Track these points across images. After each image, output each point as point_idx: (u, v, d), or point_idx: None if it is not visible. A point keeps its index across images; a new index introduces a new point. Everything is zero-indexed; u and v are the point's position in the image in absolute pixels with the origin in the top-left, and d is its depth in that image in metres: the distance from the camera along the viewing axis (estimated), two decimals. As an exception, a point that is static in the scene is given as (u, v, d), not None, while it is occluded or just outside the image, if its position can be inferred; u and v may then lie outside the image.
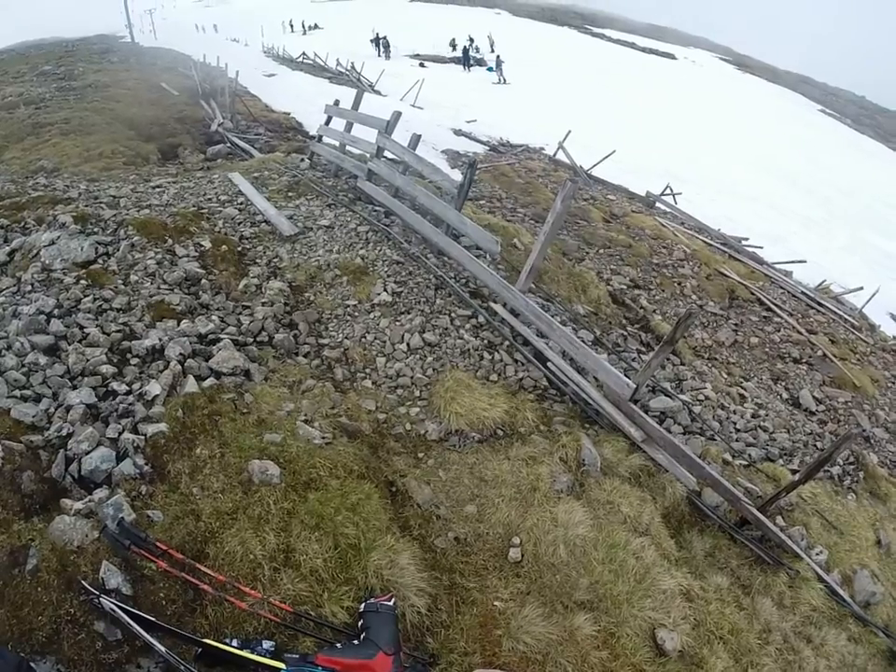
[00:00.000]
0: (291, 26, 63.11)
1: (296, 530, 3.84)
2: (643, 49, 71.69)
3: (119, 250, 6.68)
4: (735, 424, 7.61)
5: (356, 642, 3.35)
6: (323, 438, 4.75)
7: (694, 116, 41.81)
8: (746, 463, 6.78)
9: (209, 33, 59.58)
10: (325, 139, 12.16)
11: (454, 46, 47.31)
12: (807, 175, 35.70)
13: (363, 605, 3.53)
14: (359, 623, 3.43)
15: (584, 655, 3.92)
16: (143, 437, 4.21)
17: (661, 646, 4.22)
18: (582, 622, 4.07)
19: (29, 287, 5.81)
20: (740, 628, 4.75)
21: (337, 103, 12.40)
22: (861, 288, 15.99)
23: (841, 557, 6.06)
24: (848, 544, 6.27)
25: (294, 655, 3.20)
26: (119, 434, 4.21)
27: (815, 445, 7.95)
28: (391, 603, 3.54)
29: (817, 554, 5.86)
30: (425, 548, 4.38)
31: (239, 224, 8.25)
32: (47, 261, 6.24)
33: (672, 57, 72.76)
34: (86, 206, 7.86)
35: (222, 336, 5.65)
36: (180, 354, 5.13)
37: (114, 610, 3.12)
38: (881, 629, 5.62)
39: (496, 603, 4.10)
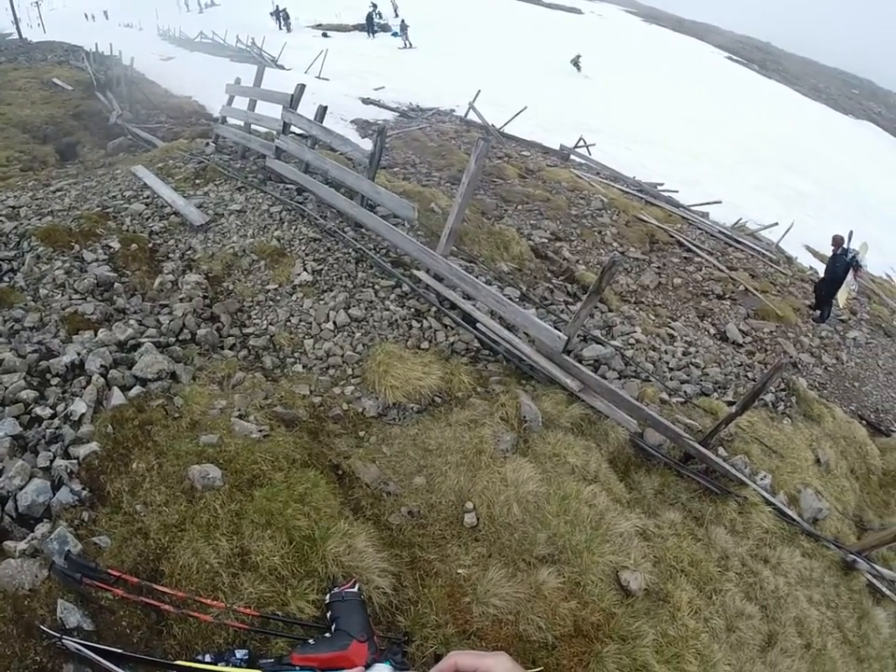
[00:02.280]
0: (187, 5, 60.05)
1: (248, 531, 3.70)
2: (548, 6, 71.71)
3: (24, 264, 6.28)
4: (667, 363, 7.83)
5: (327, 635, 3.25)
6: (260, 431, 4.59)
7: (603, 68, 42.29)
8: (682, 400, 7.00)
9: (100, 20, 56.11)
10: (229, 120, 11.65)
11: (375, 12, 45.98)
12: (717, 119, 36.89)
13: (328, 596, 3.43)
14: (328, 615, 3.34)
15: (554, 608, 3.97)
16: (76, 460, 3.96)
17: (626, 587, 4.33)
18: (547, 576, 4.12)
19: (-68, 318, 5.36)
20: (699, 559, 4.95)
21: (238, 81, 11.83)
22: (776, 224, 16.72)
23: (785, 479, 6.40)
24: (790, 466, 6.63)
25: (269, 660, 3.09)
26: (51, 462, 3.94)
27: (746, 376, 8.32)
28: (356, 589, 3.46)
29: (761, 479, 6.14)
30: (380, 527, 4.32)
31: (147, 219, 7.83)
32: (-53, 287, 5.79)
33: (578, 12, 73.15)
34: (-16, 222, 7.32)
35: (143, 340, 5.36)
36: (101, 366, 4.84)
37: (79, 650, 2.94)
38: (832, 542, 6.00)
39: (459, 571, 4.10)
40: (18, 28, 46.46)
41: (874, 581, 5.97)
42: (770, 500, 5.87)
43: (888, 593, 5.99)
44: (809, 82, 67.30)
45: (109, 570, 3.32)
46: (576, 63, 41.44)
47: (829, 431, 7.70)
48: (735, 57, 69.62)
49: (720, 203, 17.02)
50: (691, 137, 30.94)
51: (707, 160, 27.66)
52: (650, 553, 4.68)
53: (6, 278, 6.09)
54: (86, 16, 58.32)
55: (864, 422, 9.29)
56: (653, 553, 4.72)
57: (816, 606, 5.38)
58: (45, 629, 3.03)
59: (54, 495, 3.75)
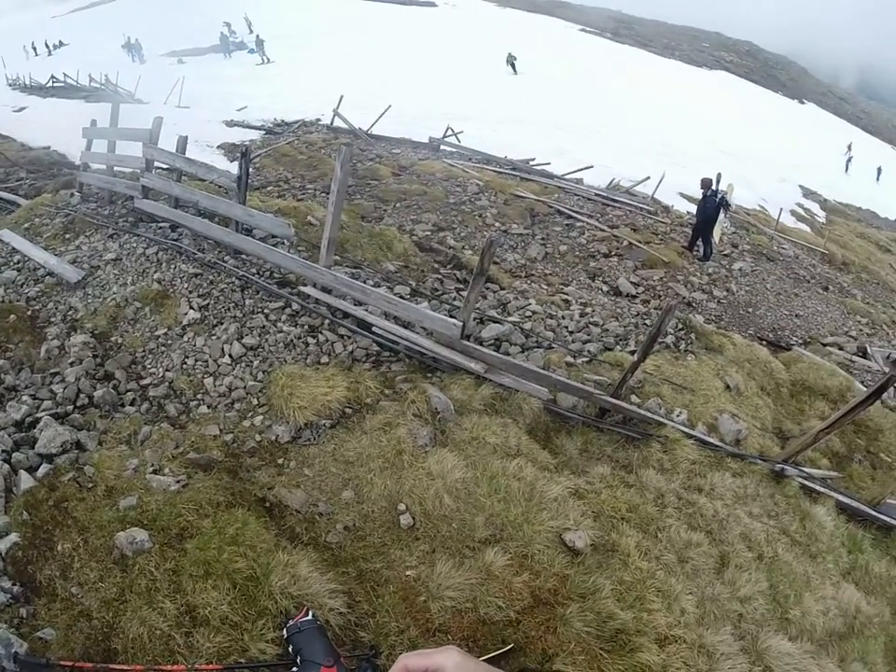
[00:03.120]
0: (35, 49, 56.24)
1: (189, 586, 3.63)
2: (402, 2, 71.85)
3: None
4: (567, 328, 8.11)
5: (295, 669, 3.26)
6: (178, 482, 4.50)
7: (462, 57, 42.92)
8: (587, 359, 7.26)
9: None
10: (92, 165, 11.07)
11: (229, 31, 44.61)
12: (576, 90, 38.23)
13: (285, 630, 3.43)
14: (290, 649, 3.34)
15: (508, 585, 4.08)
16: None
17: (573, 548, 4.48)
18: (493, 556, 4.22)
19: None
20: (636, 504, 5.16)
21: (94, 123, 11.30)
22: (648, 178, 17.56)
23: (700, 411, 6.71)
24: (702, 398, 6.94)
25: None
26: None
27: (644, 324, 8.69)
28: (311, 617, 3.46)
29: (678, 416, 6.43)
30: (320, 549, 4.31)
31: (22, 286, 7.44)
32: None
33: (432, 5, 73.68)
34: None
35: (40, 415, 5.16)
36: (3, 451, 4.63)
37: None
38: (757, 457, 6.34)
39: (408, 573, 4.15)
40: None
41: (806, 482, 6.28)
42: (690, 433, 6.12)
43: (822, 490, 6.31)
44: (661, 42, 70.72)
45: (62, 662, 3.23)
46: (511, 62, 42.27)
47: (732, 358, 8.08)
48: (587, 28, 72.14)
49: (591, 167, 17.64)
50: (555, 110, 31.88)
51: (573, 129, 28.64)
52: (588, 511, 4.83)
53: None
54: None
55: (765, 342, 9.95)
56: (591, 510, 4.88)
57: (757, 519, 5.63)
58: None
59: None
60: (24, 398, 5.44)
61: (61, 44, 57.32)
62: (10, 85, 40.97)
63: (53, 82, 37.20)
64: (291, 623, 3.44)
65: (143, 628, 3.42)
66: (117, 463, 4.68)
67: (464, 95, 31.18)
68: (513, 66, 43.16)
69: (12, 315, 6.70)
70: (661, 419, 6.20)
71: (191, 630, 3.46)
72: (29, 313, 6.91)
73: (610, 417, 6.25)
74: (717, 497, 5.67)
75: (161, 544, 3.91)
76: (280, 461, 5.09)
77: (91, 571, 3.74)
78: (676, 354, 7.90)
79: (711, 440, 6.25)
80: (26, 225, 9.43)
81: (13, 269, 7.83)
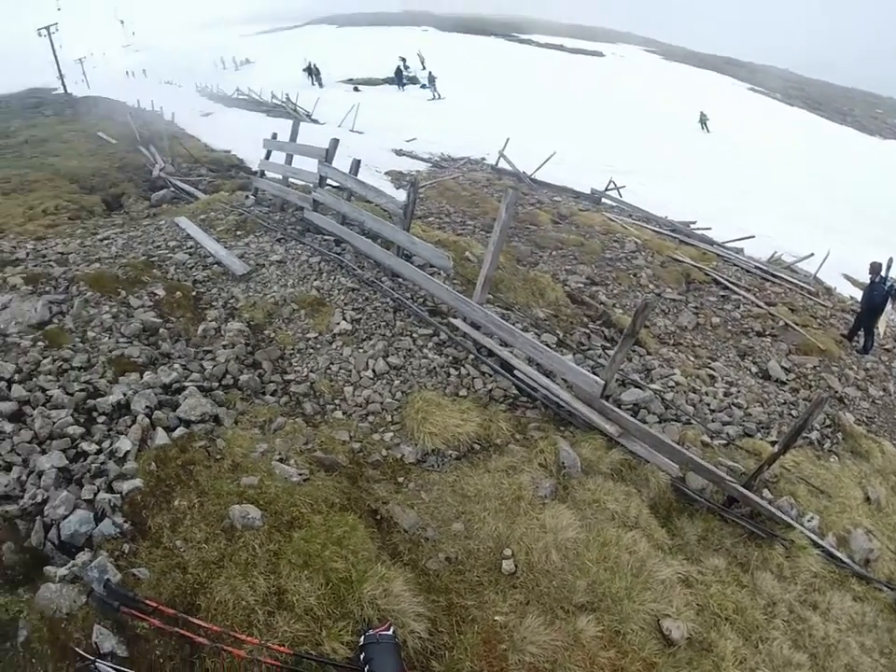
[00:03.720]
0: (223, 63, 62.98)
1: (285, 571, 3.75)
2: (571, 51, 73.23)
3: (73, 307, 6.54)
4: (708, 405, 7.68)
5: None
6: (300, 474, 4.67)
7: (628, 109, 42.80)
8: (725, 442, 6.84)
9: (140, 78, 59.05)
10: (267, 174, 12.09)
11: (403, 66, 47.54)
12: (745, 151, 36.76)
13: (363, 638, 3.42)
14: (361, 657, 3.34)
15: (592, 657, 3.89)
16: (119, 495, 4.10)
17: (668, 636, 4.21)
18: (585, 624, 4.04)
19: (-15, 355, 5.61)
20: (744, 606, 4.76)
21: (275, 136, 12.37)
22: (812, 255, 16.39)
23: (833, 520, 6.13)
24: (838, 506, 6.35)
25: None
26: (95, 495, 4.10)
27: (790, 414, 8.06)
28: (391, 632, 3.45)
29: (808, 521, 5.90)
30: (417, 572, 4.31)
31: (191, 269, 8.14)
32: (1, 326, 6.09)
33: (600, 55, 74.54)
34: (35, 266, 7.73)
35: (187, 384, 5.54)
36: (147, 407, 5.02)
37: None
38: (884, 584, 5.69)
39: (496, 618, 4.05)
40: (63, 84, 49.16)
41: None
42: (818, 543, 5.64)
43: None
44: (832, 106, 66.82)
45: (147, 601, 3.40)
46: (703, 121, 42.58)
47: (879, 467, 7.40)
48: (756, 88, 69.73)
49: (753, 237, 16.81)
50: (719, 171, 30.86)
51: (737, 193, 27.51)
52: (692, 601, 4.55)
53: (55, 320, 6.34)
54: (127, 73, 61.45)
55: (919, 456, 8.93)
56: (696, 601, 4.59)
57: (868, 653, 5.08)
58: (79, 652, 3.14)
59: (97, 526, 3.90)
60: (176, 365, 5.89)
61: (247, 61, 63.88)
62: (199, 92, 45.97)
63: (238, 94, 41.23)
64: (371, 632, 3.43)
65: (231, 595, 3.56)
66: (247, 443, 4.95)
67: (628, 149, 30.92)
68: (705, 125, 42.87)
69: (178, 292, 7.34)
70: (790, 521, 5.73)
71: (274, 611, 3.56)
72: (193, 293, 7.54)
73: (738, 508, 5.82)
74: (831, 618, 5.13)
75: (270, 526, 4.07)
76: (400, 479, 5.18)
77: (199, 532, 3.94)
78: (818, 452, 7.30)
79: (839, 554, 5.70)
80: (202, 216, 10.39)
81: (185, 252, 8.62)
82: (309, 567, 3.79)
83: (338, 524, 4.21)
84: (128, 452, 4.47)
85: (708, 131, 43.05)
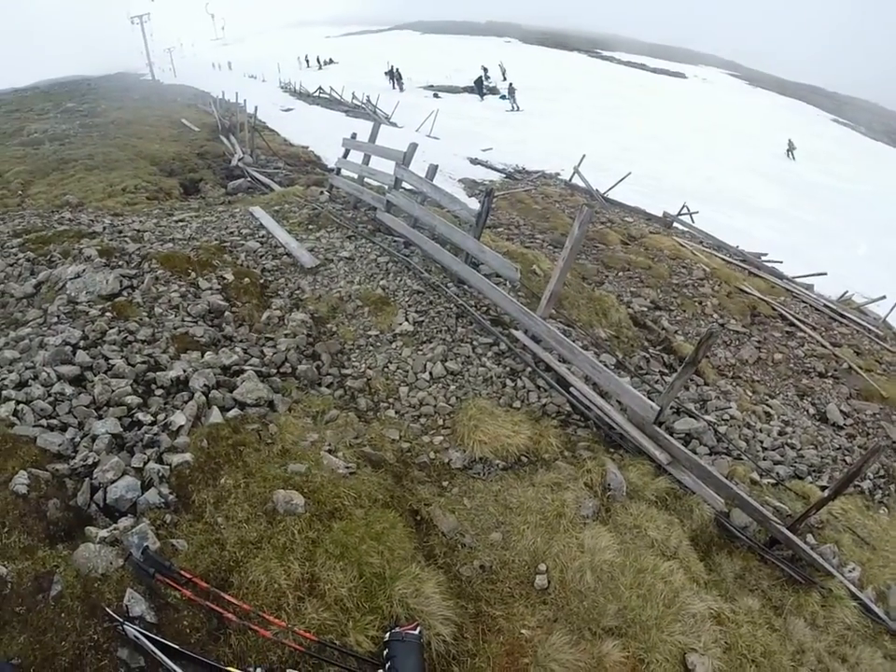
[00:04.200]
0: (307, 61, 64.60)
1: (320, 560, 3.84)
2: (653, 70, 72.27)
3: (143, 283, 6.86)
4: (761, 442, 7.50)
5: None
6: (347, 467, 4.78)
7: (708, 133, 41.91)
8: (774, 481, 6.66)
9: (225, 70, 61.16)
10: (343, 172, 12.37)
11: (484, 76, 47.85)
12: (824, 185, 35.53)
13: (388, 634, 3.49)
14: (384, 653, 3.41)
15: None
16: (168, 467, 4.25)
17: (692, 671, 4.15)
18: (611, 648, 4.02)
19: (55, 319, 5.98)
20: (773, 650, 4.64)
21: (354, 136, 12.64)
22: (884, 297, 15.82)
23: (875, 573, 5.89)
24: (882, 559, 6.09)
25: None
26: (144, 464, 4.27)
27: (844, 460, 7.82)
28: (417, 632, 3.51)
29: (850, 571, 5.69)
30: (450, 576, 4.36)
31: (261, 257, 8.42)
32: (72, 294, 6.44)
33: (682, 76, 73.25)
34: (110, 240, 8.10)
35: (246, 367, 5.73)
36: (204, 385, 5.22)
37: (138, 637, 3.13)
38: None
39: (522, 631, 4.07)
40: (151, 71, 51.62)
41: None
42: (856, 595, 5.41)
43: None
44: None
45: (182, 571, 3.52)
46: (790, 150, 42.33)
47: (928, 525, 7.05)
48: (840, 119, 67.09)
49: (825, 274, 16.29)
50: (796, 204, 29.91)
51: (811, 227, 26.61)
52: (721, 639, 4.45)
53: (125, 293, 6.65)
54: (213, 65, 63.80)
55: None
56: (725, 639, 4.49)
57: None
58: (110, 612, 3.23)
59: (142, 494, 4.05)
60: (237, 349, 6.12)
61: (331, 61, 65.32)
62: (281, 88, 47.34)
63: (319, 93, 42.22)
64: (397, 630, 3.48)
65: (264, 577, 3.65)
66: (298, 431, 5.09)
67: (704, 174, 30.31)
68: (792, 153, 42.22)
69: (246, 279, 7.59)
70: (831, 569, 5.52)
71: (305, 597, 3.63)
72: (261, 281, 7.78)
73: (779, 550, 5.65)
74: None
75: (311, 514, 4.15)
76: (444, 483, 5.23)
77: (241, 511, 4.06)
78: (868, 502, 7.00)
79: (877, 609, 5.45)
80: (276, 208, 10.71)
81: (257, 241, 8.91)
82: (345, 558, 3.88)
83: (378, 519, 4.30)
84: (181, 426, 4.66)
85: (794, 159, 41.86)
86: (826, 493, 5.72)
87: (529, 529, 4.78)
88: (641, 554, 4.76)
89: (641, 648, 4.13)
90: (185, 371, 5.35)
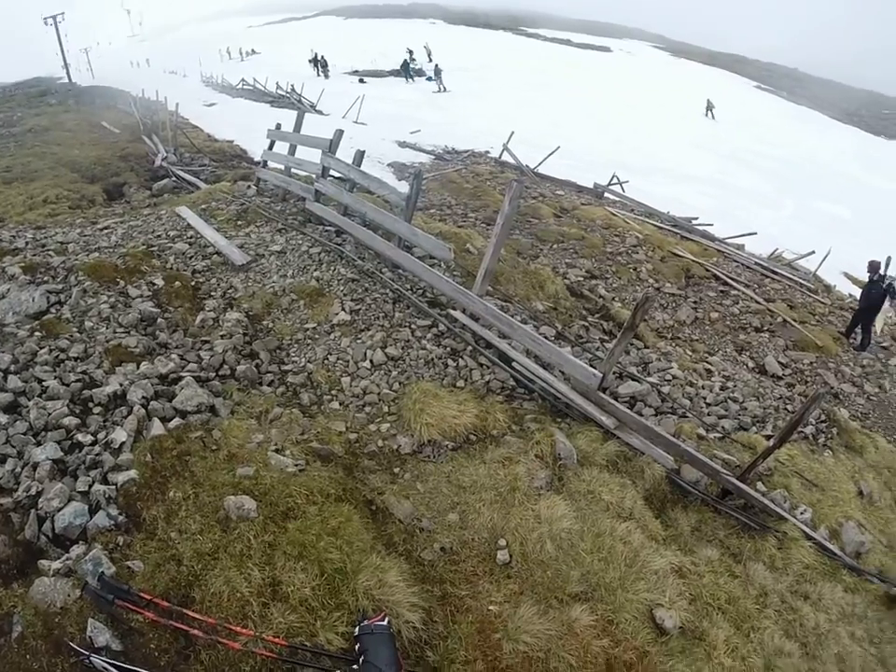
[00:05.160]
0: (229, 54, 62.82)
1: (280, 562, 3.77)
2: (578, 45, 72.98)
3: (71, 297, 6.54)
4: (705, 399, 7.73)
5: (355, 667, 3.30)
6: (296, 465, 4.68)
7: (634, 104, 42.76)
8: (720, 435, 6.90)
9: (144, 68, 59.08)
10: (270, 164, 12.07)
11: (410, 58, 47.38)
12: (749, 150, 36.72)
13: (357, 628, 3.46)
14: (356, 647, 3.37)
15: (586, 646, 3.93)
16: (114, 486, 4.11)
17: (661, 625, 4.27)
18: (579, 613, 4.09)
19: (-18, 345, 5.63)
20: (736, 596, 4.83)
21: (279, 126, 12.35)
22: (813, 252, 16.47)
23: (826, 513, 6.22)
24: (831, 499, 6.44)
25: None
26: (90, 486, 4.11)
27: (786, 409, 8.14)
28: (385, 623, 3.48)
29: (801, 514, 5.97)
30: (412, 562, 4.33)
31: (190, 258, 8.13)
32: (-1, 316, 6.08)
33: (607, 50, 74.29)
34: (34, 255, 7.70)
35: (183, 374, 5.55)
36: (143, 397, 5.03)
37: (106, 668, 3.05)
38: (875, 575, 5.77)
39: (490, 607, 4.08)
40: (68, 73, 49.40)
41: None
42: (810, 535, 5.71)
43: None
44: (839, 106, 66.37)
45: (141, 593, 3.42)
46: (709, 109, 43.78)
47: (872, 462, 7.50)
48: (763, 86, 69.45)
49: (755, 234, 16.90)
50: (724, 169, 30.84)
51: (740, 191, 27.51)
52: (685, 591, 4.60)
53: (53, 310, 6.34)
54: (131, 63, 61.49)
55: (911, 452, 8.96)
56: (689, 591, 4.64)
57: (858, 642, 5.19)
58: (74, 646, 3.14)
59: (91, 518, 3.90)
60: (173, 356, 5.89)
61: (253, 52, 63.67)
62: (203, 82, 46.01)
63: (243, 85, 41.20)
64: (366, 623, 3.45)
65: (225, 587, 3.57)
66: (243, 434, 4.96)
67: (632, 144, 30.89)
68: (711, 112, 43.74)
69: (177, 282, 7.32)
70: (783, 513, 5.79)
71: (269, 602, 3.57)
72: (192, 283, 7.52)
73: (731, 500, 5.88)
74: (822, 608, 5.23)
75: (265, 517, 4.07)
76: (396, 470, 5.19)
77: (194, 523, 3.95)
78: (813, 447, 7.40)
79: (831, 546, 5.79)
80: (203, 206, 10.37)
81: (185, 242, 8.57)
82: (304, 557, 3.81)
83: (333, 514, 4.22)
84: (123, 443, 4.49)
85: (714, 118, 43.16)
86: (772, 442, 5.92)
87: (485, 506, 4.78)
88: (598, 519, 4.85)
89: (609, 609, 4.22)
90: (122, 385, 5.14)
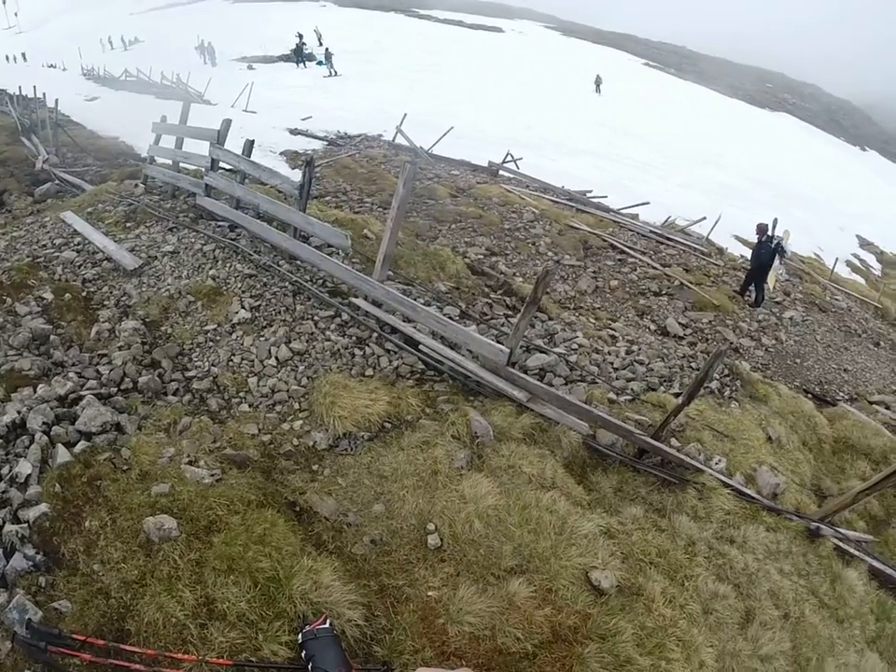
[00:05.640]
0: (111, 43, 58.87)
1: (210, 579, 3.64)
2: (471, 26, 73.16)
3: (-48, 322, 6.02)
4: (612, 364, 8.00)
5: None
6: (212, 475, 4.54)
7: (526, 83, 43.42)
8: (630, 398, 7.17)
9: (21, 62, 54.63)
10: (157, 160, 11.48)
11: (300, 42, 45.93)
12: (638, 123, 38.18)
13: (300, 635, 3.41)
14: (303, 654, 3.33)
15: (529, 617, 4.00)
16: (26, 524, 3.84)
17: (598, 587, 4.37)
18: (517, 586, 4.14)
19: None
20: (666, 549, 5.01)
21: (164, 119, 11.70)
22: (704, 218, 17.40)
23: (739, 460, 6.53)
24: (742, 447, 6.76)
25: None
26: (1, 528, 3.82)
27: (690, 367, 8.53)
28: (328, 625, 3.44)
29: (716, 464, 6.26)
30: (344, 559, 4.28)
31: (79, 267, 7.67)
32: None
33: (499, 30, 74.89)
34: None
35: (84, 393, 5.23)
36: (43, 423, 4.70)
37: None
38: (793, 513, 6.11)
39: (429, 593, 4.09)
40: (-64, 73, 44.86)
41: (840, 544, 6.05)
42: (727, 482, 5.96)
43: (856, 553, 6.07)
44: (725, 81, 70.26)
45: (74, 635, 3.26)
46: (597, 84, 44.87)
47: (776, 409, 7.90)
48: (651, 63, 72.31)
49: (648, 203, 17.58)
50: (615, 143, 31.92)
51: (632, 163, 28.60)
52: (617, 551, 4.73)
53: None
54: (7, 58, 56.73)
55: (810, 395, 9.61)
56: (620, 550, 4.78)
57: (787, 576, 5.46)
58: None
59: (7, 562, 3.65)
60: (70, 374, 5.56)
61: (136, 40, 60.02)
62: (84, 75, 43.09)
63: (126, 76, 38.94)
64: (308, 628, 3.41)
65: (159, 614, 3.44)
66: (153, 449, 4.75)
67: (525, 122, 31.37)
68: (599, 87, 45.14)
69: (67, 294, 6.92)
70: (699, 465, 6.05)
71: (207, 622, 3.46)
72: (84, 293, 7.12)
73: (648, 459, 6.11)
74: (748, 550, 5.51)
75: (188, 534, 3.94)
76: (315, 467, 5.10)
77: (116, 551, 3.77)
78: (720, 400, 7.74)
79: (748, 491, 6.09)
80: (89, 210, 9.75)
81: (73, 250, 8.09)
82: (234, 571, 3.70)
83: (257, 521, 4.12)
84: (29, 475, 4.18)
85: (600, 93, 44.78)
86: (680, 399, 6.14)
87: (409, 493, 4.79)
88: (522, 492, 4.93)
89: (546, 578, 4.29)
90: (20, 413, 4.76)
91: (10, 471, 4.23)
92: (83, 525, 3.93)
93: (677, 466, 6.03)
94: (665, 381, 7.91)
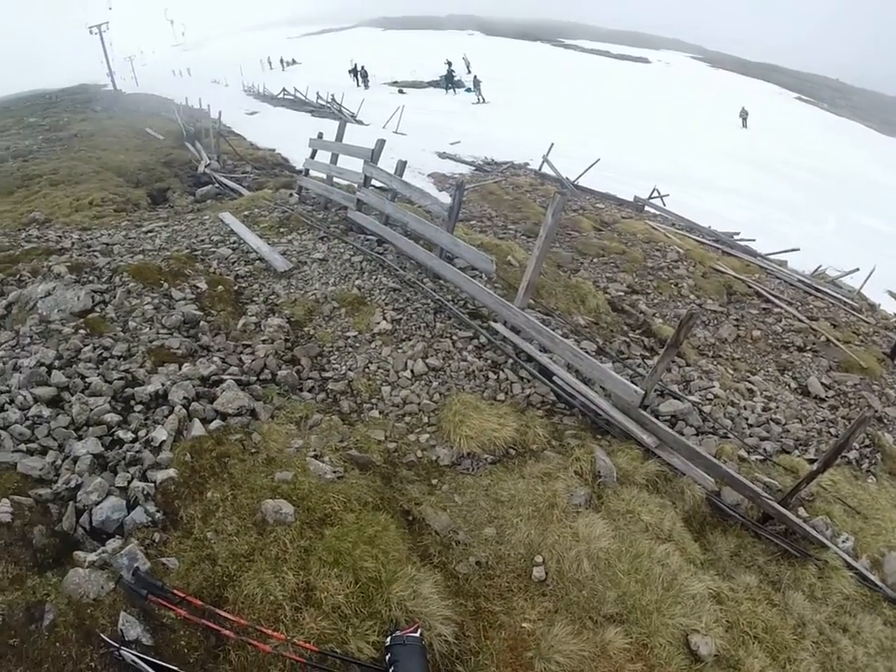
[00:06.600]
0: (269, 64, 64.06)
1: (315, 568, 3.76)
2: (617, 56, 72.75)
3: (115, 297, 6.69)
4: (746, 419, 7.55)
5: None
6: (334, 472, 4.70)
7: (672, 116, 42.36)
8: (762, 457, 6.71)
9: (186, 76, 60.54)
10: (312, 172, 12.26)
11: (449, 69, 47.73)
12: (790, 162, 36.05)
13: (389, 639, 3.43)
14: (387, 658, 3.34)
15: (618, 669, 3.85)
16: (152, 484, 4.16)
17: (695, 652, 4.13)
18: (613, 635, 4.00)
19: (28, 340, 5.80)
20: (774, 625, 4.65)
21: (321, 136, 12.52)
22: (857, 269, 16.07)
23: (868, 542, 5.95)
24: (874, 528, 6.16)
25: None
26: (129, 482, 4.16)
27: (829, 432, 7.89)
28: (417, 634, 3.45)
29: (843, 542, 5.73)
30: (447, 575, 4.29)
31: (233, 263, 8.29)
32: (44, 313, 6.26)
33: (646, 61, 73.88)
34: (80, 255, 7.92)
35: (225, 377, 5.62)
36: (184, 398, 5.10)
37: (135, 662, 3.06)
38: None
39: (524, 624, 4.02)
40: (112, 80, 50.96)
41: None
42: (852, 564, 5.47)
43: None
44: (880, 116, 64.91)
45: (175, 590, 3.44)
46: (743, 118, 43.99)
47: (919, 490, 7.12)
48: (803, 97, 68.24)
49: (797, 250, 16.51)
50: (764, 183, 30.26)
51: (782, 205, 26.95)
52: (722, 618, 4.46)
53: (97, 309, 6.48)
54: (174, 72, 63.08)
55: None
56: (726, 618, 4.49)
57: None
58: (105, 638, 3.16)
59: (129, 514, 3.95)
60: (215, 358, 5.98)
61: (293, 62, 64.86)
62: (245, 91, 46.92)
63: (284, 94, 41.89)
64: (398, 633, 3.42)
65: (259, 590, 3.57)
66: (283, 439, 4.99)
67: (671, 157, 30.53)
68: (745, 121, 43.71)
69: (220, 286, 7.45)
70: (825, 541, 5.57)
71: (302, 607, 3.56)
72: (235, 287, 7.66)
73: (772, 525, 5.70)
74: (861, 642, 4.95)
75: (302, 522, 4.08)
76: (434, 481, 5.17)
77: (231, 524, 3.98)
78: (856, 472, 7.10)
79: (873, 577, 5.51)
80: (245, 213, 10.56)
81: (228, 247, 8.77)
82: (339, 564, 3.80)
83: (370, 523, 4.22)
84: (163, 442, 4.55)
85: (746, 127, 43.13)
86: (815, 466, 5.73)
87: (522, 521, 4.73)
88: (636, 539, 4.74)
89: (644, 633, 4.11)
90: (163, 385, 5.22)
91: (147, 435, 4.62)
92: (205, 495, 4.18)
93: (801, 538, 5.59)
94: (800, 444, 7.37)
